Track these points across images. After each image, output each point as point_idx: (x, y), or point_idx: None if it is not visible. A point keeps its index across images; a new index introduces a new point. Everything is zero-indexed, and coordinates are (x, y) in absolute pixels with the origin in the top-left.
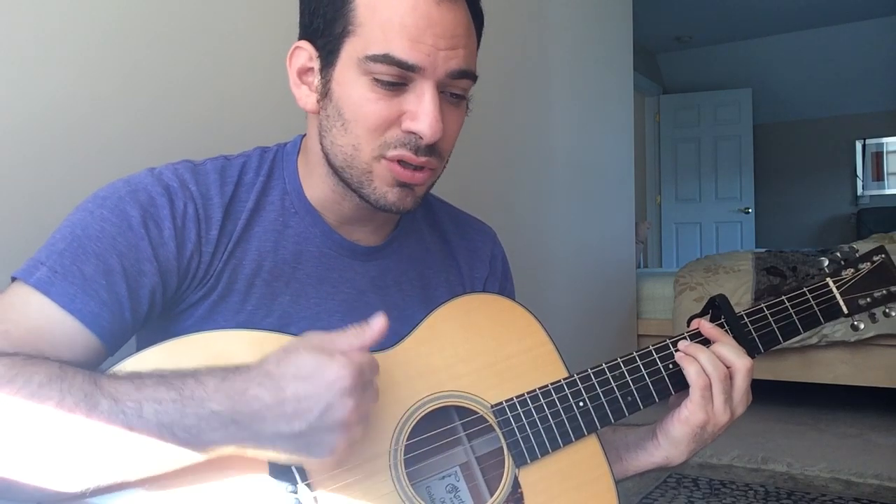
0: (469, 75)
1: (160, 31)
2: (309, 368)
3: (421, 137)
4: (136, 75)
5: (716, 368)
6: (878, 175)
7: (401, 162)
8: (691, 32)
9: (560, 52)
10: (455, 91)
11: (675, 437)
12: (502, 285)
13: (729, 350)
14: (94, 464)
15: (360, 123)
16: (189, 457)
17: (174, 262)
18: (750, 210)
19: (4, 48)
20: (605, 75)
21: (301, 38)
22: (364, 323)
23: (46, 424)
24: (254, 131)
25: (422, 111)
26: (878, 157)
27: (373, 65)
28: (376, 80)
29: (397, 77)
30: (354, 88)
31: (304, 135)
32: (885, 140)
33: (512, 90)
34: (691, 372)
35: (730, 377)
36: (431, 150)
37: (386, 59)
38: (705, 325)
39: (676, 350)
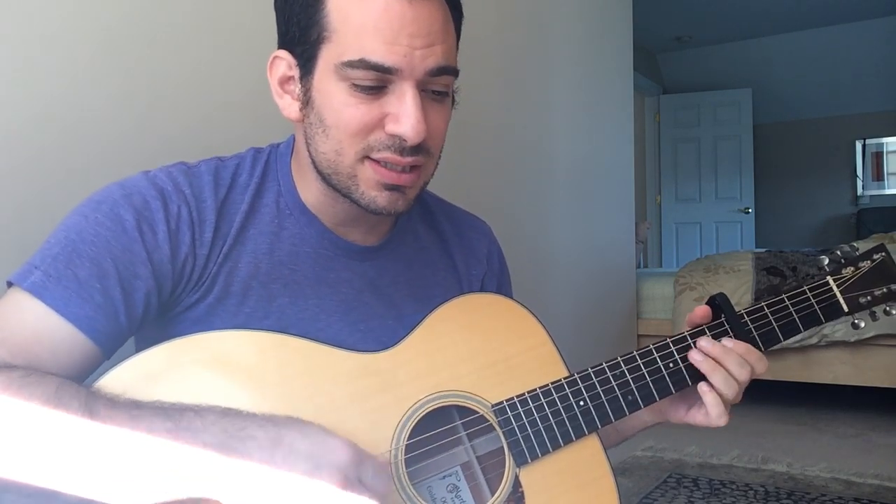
0: (449, 71)
1: (158, 33)
2: (314, 432)
3: (405, 140)
4: (133, 77)
5: (730, 389)
6: (878, 175)
7: (386, 164)
8: (691, 32)
9: (560, 52)
10: (436, 88)
11: (672, 420)
12: (499, 281)
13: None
14: (84, 490)
15: (342, 129)
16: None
17: (169, 264)
18: (750, 210)
19: (2, 49)
20: (605, 75)
21: (279, 47)
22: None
23: (37, 451)
24: (252, 132)
25: (403, 113)
26: (878, 157)
27: (350, 70)
28: (355, 85)
29: (376, 81)
30: (334, 95)
31: None
32: (885, 140)
33: (512, 90)
34: (711, 399)
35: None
36: (418, 149)
37: (362, 64)
38: (705, 345)
39: (697, 348)
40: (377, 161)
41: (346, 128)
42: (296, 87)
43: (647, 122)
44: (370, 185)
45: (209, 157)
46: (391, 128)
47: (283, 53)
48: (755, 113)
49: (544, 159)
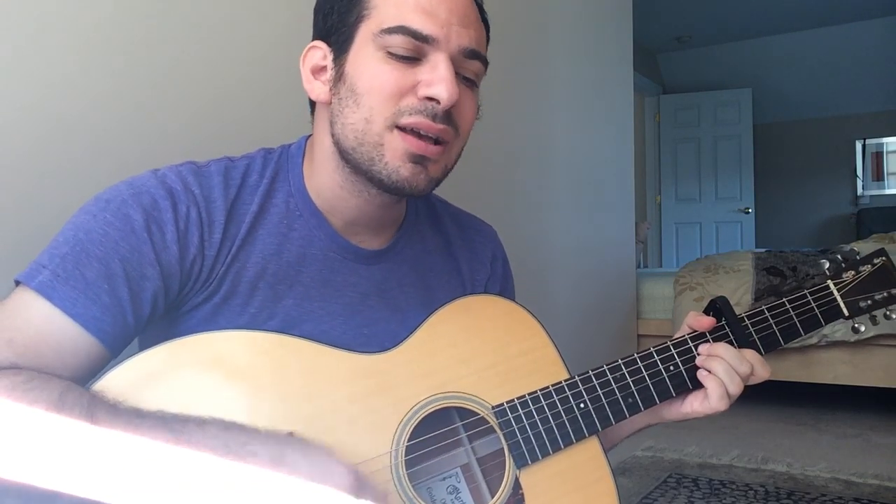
0: (481, 58)
1: (158, 28)
2: (316, 454)
3: (438, 102)
4: (134, 73)
5: (733, 381)
6: (878, 175)
7: (416, 131)
8: (691, 32)
9: (560, 52)
10: (467, 74)
11: (667, 418)
12: (503, 286)
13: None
14: (82, 495)
15: (375, 93)
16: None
17: (177, 265)
18: (750, 210)
19: (1, 45)
20: (605, 75)
21: (314, 39)
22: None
23: (37, 456)
24: (251, 129)
25: (437, 77)
26: (878, 157)
27: (388, 37)
28: (391, 53)
29: (412, 50)
30: (369, 63)
31: (309, 136)
32: (885, 140)
33: (512, 90)
34: (712, 383)
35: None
36: (448, 118)
37: (400, 31)
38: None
39: (699, 354)
40: (406, 129)
41: (381, 90)
42: (328, 73)
43: (647, 122)
44: (396, 154)
45: (204, 154)
46: (424, 91)
47: (319, 43)
48: (755, 113)
49: (544, 159)
